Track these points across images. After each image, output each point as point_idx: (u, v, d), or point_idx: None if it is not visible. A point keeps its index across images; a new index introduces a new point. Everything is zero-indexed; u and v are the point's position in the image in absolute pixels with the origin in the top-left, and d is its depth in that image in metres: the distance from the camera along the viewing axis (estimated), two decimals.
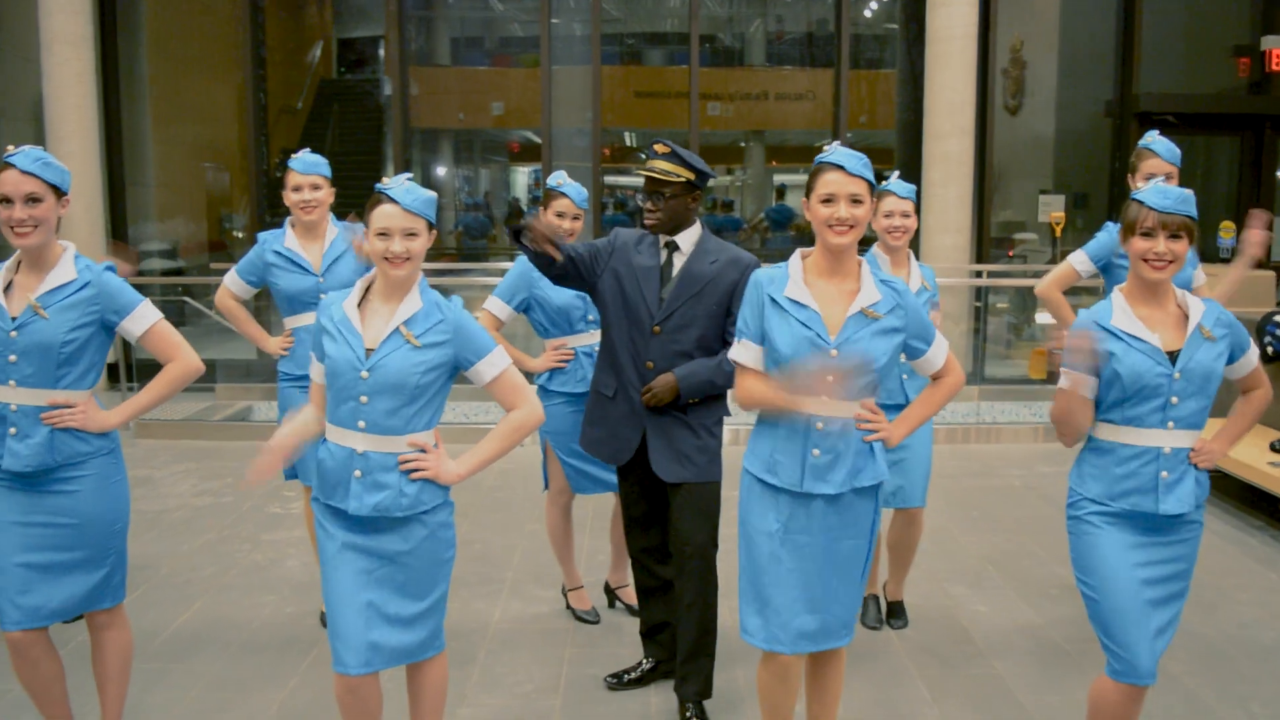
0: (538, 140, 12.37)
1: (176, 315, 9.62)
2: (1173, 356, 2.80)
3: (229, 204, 12.82)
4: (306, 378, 3.81)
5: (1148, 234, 2.78)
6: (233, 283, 4.29)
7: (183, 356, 3.09)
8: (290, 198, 4.21)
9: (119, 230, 10.18)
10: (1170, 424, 2.83)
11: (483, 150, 16.02)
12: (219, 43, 12.12)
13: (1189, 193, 2.84)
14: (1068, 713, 3.68)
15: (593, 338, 4.21)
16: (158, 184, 11.36)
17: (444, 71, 13.29)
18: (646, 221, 3.57)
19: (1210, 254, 9.83)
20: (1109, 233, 4.13)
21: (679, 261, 3.56)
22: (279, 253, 4.23)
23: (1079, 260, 4.19)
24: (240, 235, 12.40)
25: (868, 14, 12.40)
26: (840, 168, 2.78)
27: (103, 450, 3.07)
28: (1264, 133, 10.01)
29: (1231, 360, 2.91)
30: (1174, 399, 2.81)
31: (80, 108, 8.48)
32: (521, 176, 17.26)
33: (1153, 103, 9.91)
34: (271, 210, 11.07)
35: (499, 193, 16.17)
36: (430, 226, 2.81)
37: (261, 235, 4.30)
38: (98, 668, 3.26)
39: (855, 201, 2.77)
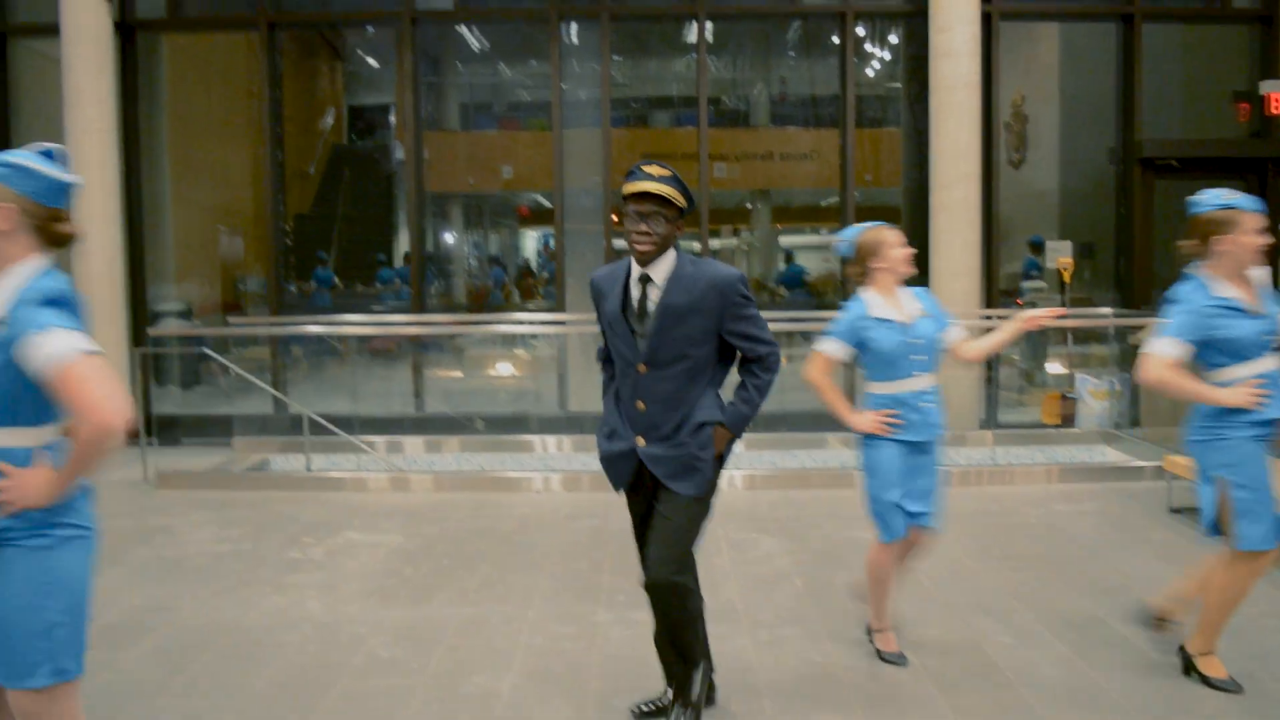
0: (546, 203, 12.49)
1: (193, 372, 9.70)
2: None
3: (243, 266, 12.96)
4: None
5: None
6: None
7: None
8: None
9: (137, 290, 10.27)
10: None
11: (493, 213, 16.27)
12: (235, 108, 12.36)
13: None
14: None
15: (912, 384, 4.19)
16: (176, 245, 11.50)
17: (454, 136, 13.51)
18: (641, 248, 3.39)
19: None
20: (1185, 304, 3.88)
21: (654, 295, 3.47)
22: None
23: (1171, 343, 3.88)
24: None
25: (870, 73, 12.59)
26: None
27: None
28: (1267, 176, 10.09)
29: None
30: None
31: (102, 165, 8.62)
32: (531, 240, 17.48)
33: (1155, 149, 9.99)
34: (287, 273, 11.18)
35: (510, 256, 16.41)
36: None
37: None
38: None
39: None
